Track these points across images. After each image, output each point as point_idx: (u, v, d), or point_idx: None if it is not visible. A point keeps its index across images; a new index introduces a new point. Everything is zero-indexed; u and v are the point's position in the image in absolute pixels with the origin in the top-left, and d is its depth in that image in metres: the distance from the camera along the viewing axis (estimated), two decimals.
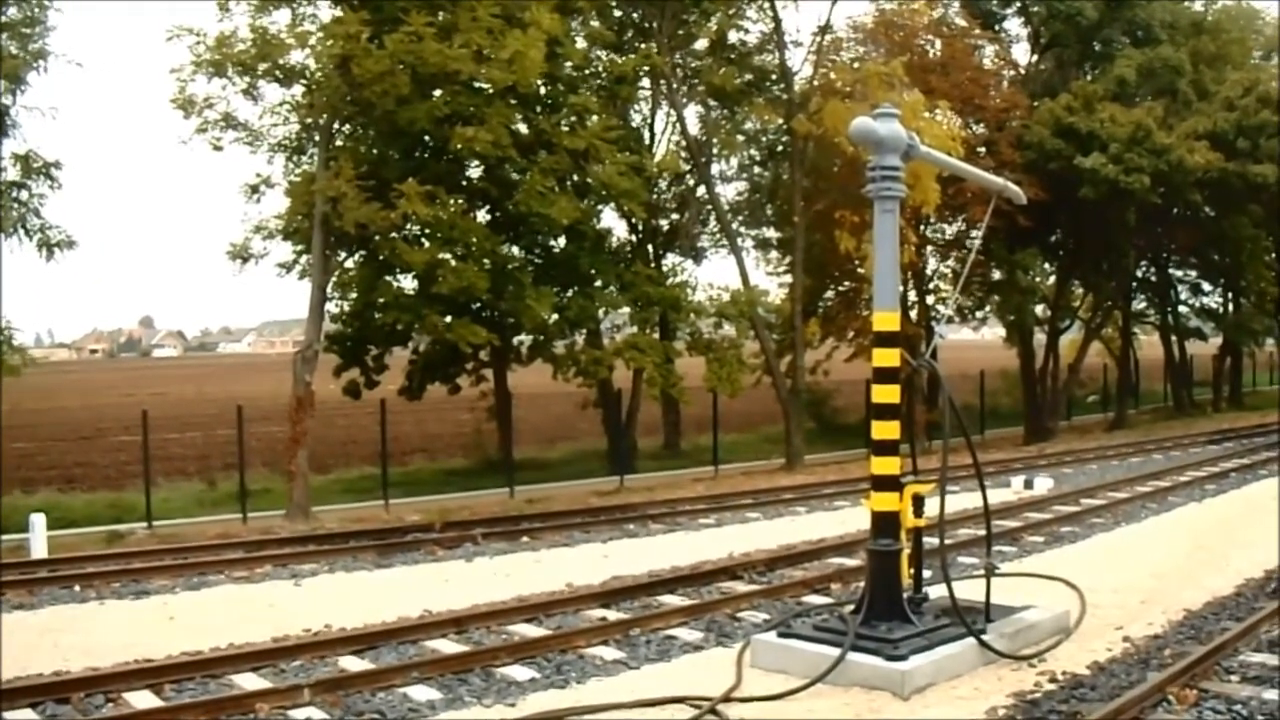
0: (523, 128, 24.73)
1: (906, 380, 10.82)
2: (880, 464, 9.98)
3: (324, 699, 9.28)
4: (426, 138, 24.21)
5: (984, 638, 10.00)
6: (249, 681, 9.88)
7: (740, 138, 31.01)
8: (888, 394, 10.04)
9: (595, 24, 26.84)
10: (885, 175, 10.16)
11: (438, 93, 22.42)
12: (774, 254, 33.31)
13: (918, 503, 10.06)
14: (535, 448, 30.52)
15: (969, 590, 10.77)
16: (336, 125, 23.32)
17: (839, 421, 36.44)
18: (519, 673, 10.12)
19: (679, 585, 13.57)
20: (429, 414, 28.49)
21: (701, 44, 29.88)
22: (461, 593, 13.21)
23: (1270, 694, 9.19)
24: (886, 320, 10.13)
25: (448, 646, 11.03)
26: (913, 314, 32.37)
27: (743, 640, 10.67)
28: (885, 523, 9.91)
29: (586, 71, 27.14)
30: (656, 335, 28.03)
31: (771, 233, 33.27)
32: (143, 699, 9.45)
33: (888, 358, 10.06)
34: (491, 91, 22.79)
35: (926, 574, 10.59)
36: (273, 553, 16.06)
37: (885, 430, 9.99)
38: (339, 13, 21.63)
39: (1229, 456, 27.62)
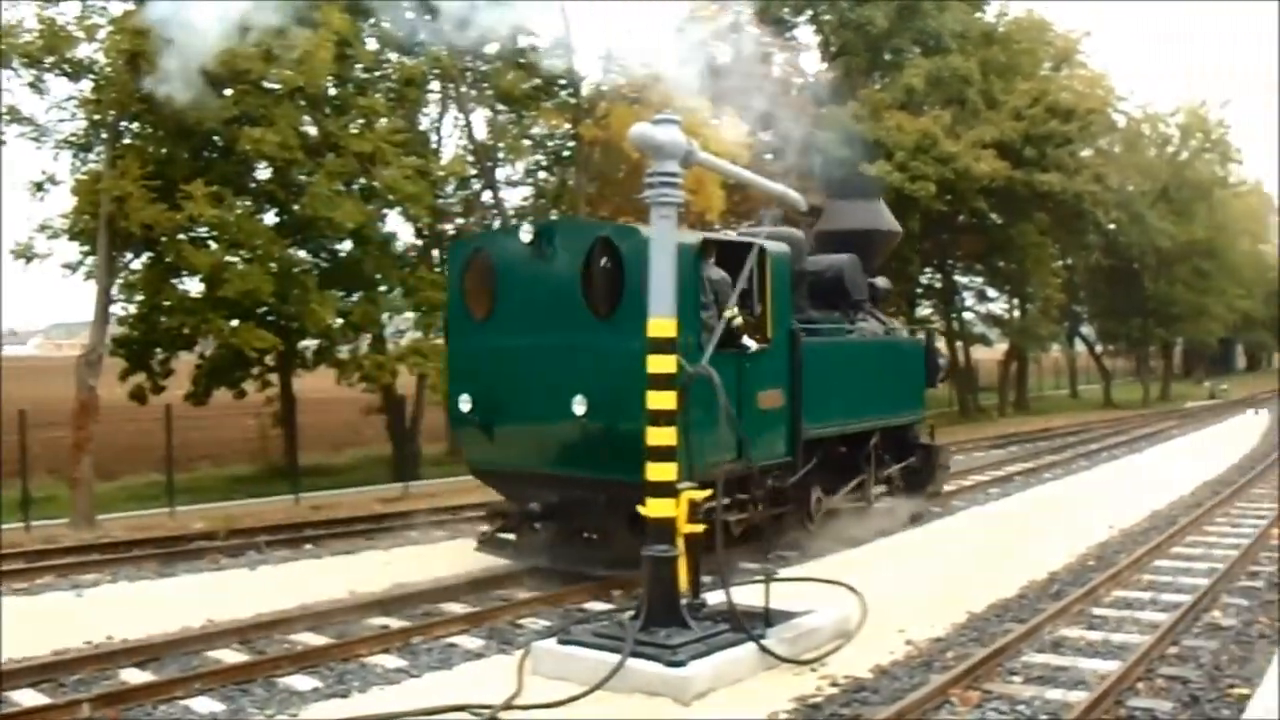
0: (311, 130, 24.53)
1: (685, 386, 10.82)
2: (656, 470, 10.09)
3: (104, 713, 9.16)
4: (215, 138, 23.89)
5: (764, 642, 10.19)
6: (27, 698, 9.72)
7: (527, 142, 31.07)
8: (663, 400, 10.14)
9: (386, 25, 26.69)
10: (663, 181, 10.29)
11: (228, 92, 22.18)
12: None
13: (694, 509, 10.20)
14: (322, 454, 30.21)
15: (750, 596, 10.93)
16: (124, 123, 22.87)
17: None
18: (301, 682, 10.16)
19: (461, 593, 13.69)
20: (216, 420, 27.96)
21: (492, 48, 29.86)
22: (245, 602, 13.11)
23: (1053, 693, 9.63)
24: (662, 327, 10.19)
25: (230, 656, 10.98)
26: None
27: (523, 647, 10.77)
28: (661, 529, 10.06)
29: (376, 74, 27.02)
30: (441, 341, 28.00)
31: None
32: None
33: (663, 364, 10.16)
34: (281, 92, 22.64)
35: (706, 579, 10.86)
36: (55, 562, 15.70)
37: (661, 436, 10.10)
38: (130, 6, 21.23)
39: (1013, 461, 28.72)
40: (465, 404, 14.42)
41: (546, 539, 14.13)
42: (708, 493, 10.30)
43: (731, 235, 15.90)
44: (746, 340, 14.27)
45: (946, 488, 21.38)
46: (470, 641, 11.69)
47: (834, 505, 16.85)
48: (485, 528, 15.12)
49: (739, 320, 13.94)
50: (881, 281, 19.49)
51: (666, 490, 10.09)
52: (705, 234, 14.91)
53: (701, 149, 10.91)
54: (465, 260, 15.23)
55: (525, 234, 13.90)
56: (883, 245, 20.27)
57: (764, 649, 10.16)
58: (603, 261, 13.32)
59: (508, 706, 9.23)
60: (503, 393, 14.05)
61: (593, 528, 14.03)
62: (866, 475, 17.62)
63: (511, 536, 14.58)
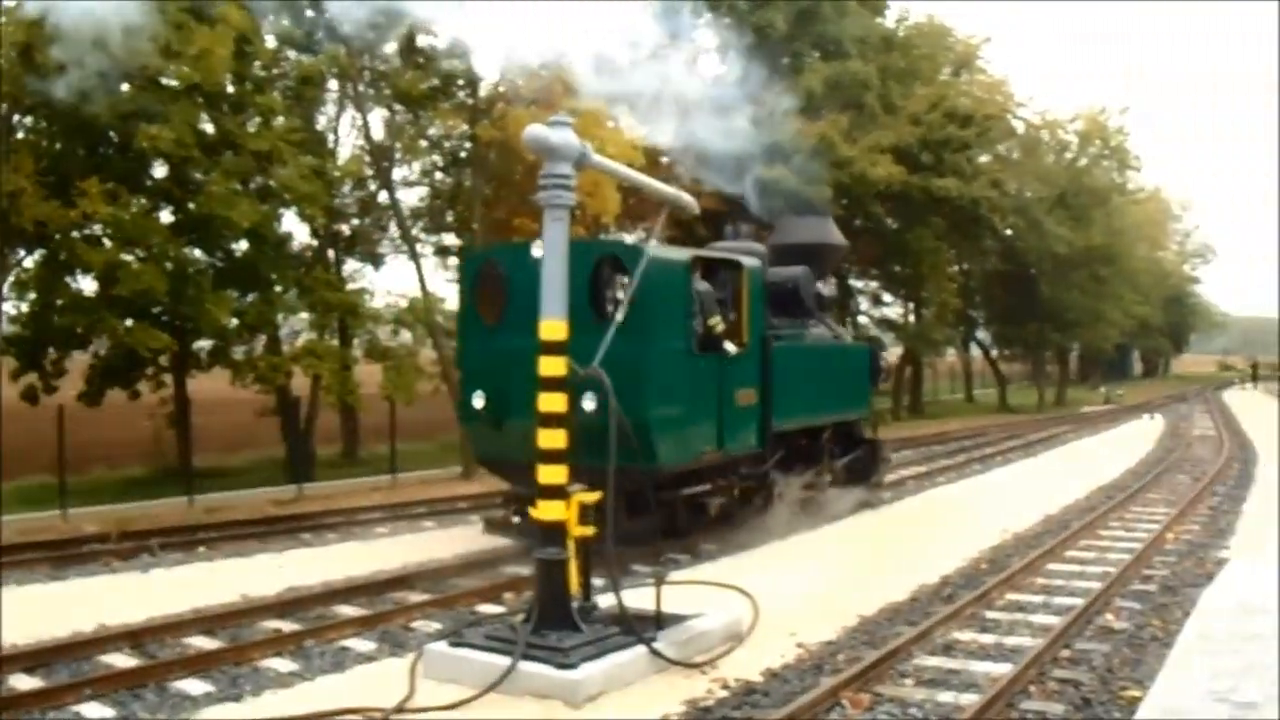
0: (208, 127, 24.34)
1: (574, 387, 11.00)
2: (547, 473, 10.16)
3: None
4: (111, 134, 23.63)
5: (655, 645, 10.27)
6: None
7: (424, 143, 30.98)
8: (553, 403, 10.22)
9: (286, 23, 26.53)
10: (556, 183, 10.38)
11: (125, 87, 21.97)
12: (454, 261, 33.31)
13: (584, 511, 10.27)
14: (216, 455, 29.92)
15: (642, 599, 11.03)
16: (17, 117, 22.57)
17: None
18: (193, 686, 10.16)
19: (354, 596, 13.73)
20: (109, 421, 27.62)
21: (391, 47, 29.72)
22: (137, 605, 13.03)
23: (945, 696, 9.82)
24: (553, 329, 10.28)
25: (122, 661, 10.96)
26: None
27: (416, 650, 10.75)
28: (552, 531, 10.13)
29: (275, 71, 26.86)
30: (336, 342, 27.95)
31: (452, 239, 33.30)
32: None
33: (554, 366, 10.24)
34: (178, 88, 22.46)
35: (598, 582, 10.96)
36: None
37: (551, 439, 10.18)
38: None
39: (907, 465, 28.92)
40: (479, 401, 15.69)
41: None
42: (598, 495, 10.39)
43: (715, 253, 17.55)
44: (727, 345, 15.98)
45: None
46: (363, 644, 11.74)
47: (794, 493, 18.33)
48: (494, 514, 16.55)
49: (720, 327, 15.81)
50: (827, 290, 21.09)
51: (557, 493, 10.14)
52: (694, 251, 16.62)
53: (600, 151, 11.01)
54: (478, 271, 16.67)
55: (536, 250, 13.60)
56: (832, 258, 22.43)
57: (655, 652, 10.24)
58: (610, 275, 14.90)
59: (400, 709, 9.26)
60: (513, 391, 14.71)
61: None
62: (822, 466, 19.45)
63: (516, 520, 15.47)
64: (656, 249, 14.18)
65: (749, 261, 17.07)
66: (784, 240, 20.82)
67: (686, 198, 13.04)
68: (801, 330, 19.42)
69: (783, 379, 17.44)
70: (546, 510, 10.14)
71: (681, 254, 15.87)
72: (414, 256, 29.59)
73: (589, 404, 13.52)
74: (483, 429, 15.99)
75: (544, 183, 10.44)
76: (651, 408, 14.44)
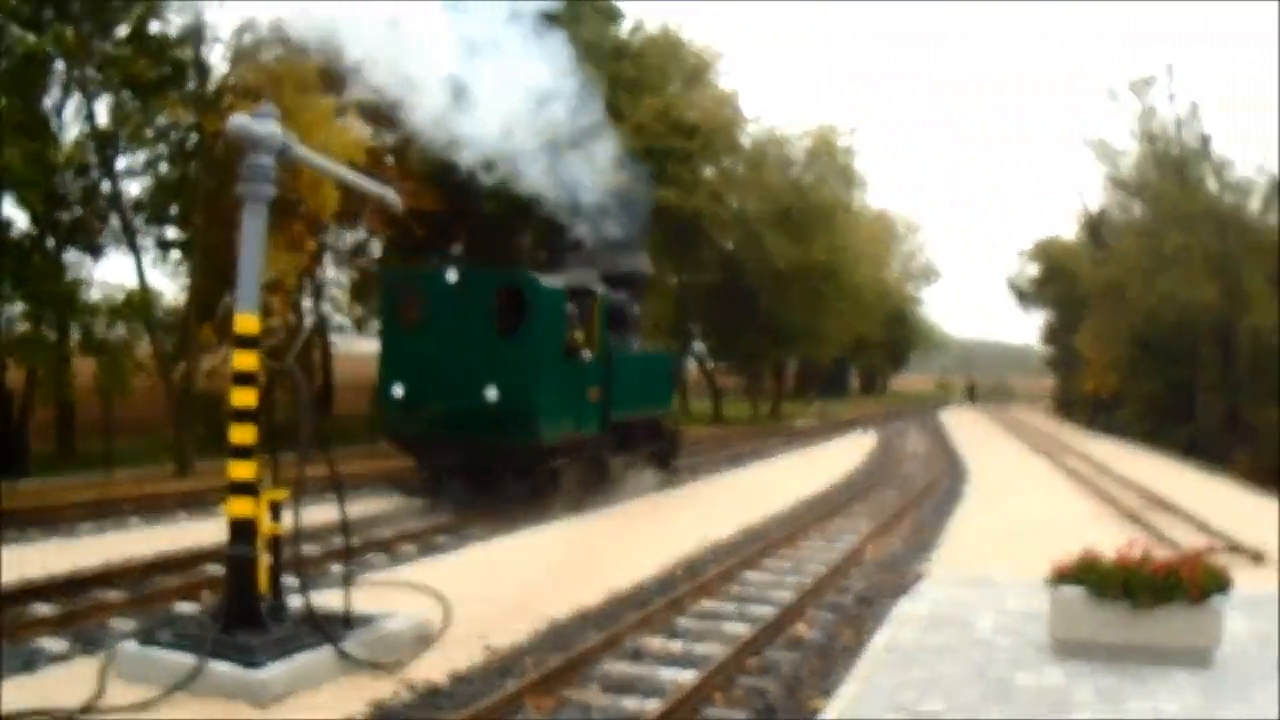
0: None
1: (270, 384, 11.00)
2: (237, 469, 10.08)
3: None
4: None
5: (343, 646, 10.33)
6: None
7: (150, 132, 30.12)
8: (245, 397, 10.14)
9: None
10: (257, 174, 10.33)
11: None
12: (175, 253, 32.48)
13: (275, 509, 10.28)
14: None
15: (334, 599, 11.08)
16: None
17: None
18: None
19: (51, 594, 13.39)
20: None
21: (123, 31, 28.83)
22: None
23: (629, 701, 10.03)
24: (246, 322, 10.22)
25: None
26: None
27: (108, 650, 10.60)
28: (241, 529, 10.06)
29: None
30: (54, 334, 27.03)
31: (174, 232, 32.44)
32: None
33: (247, 360, 10.17)
34: None
35: (290, 582, 10.92)
36: None
37: (242, 435, 10.11)
38: None
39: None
40: (399, 391, 20.42)
41: (457, 486, 20.71)
42: (286, 493, 10.33)
43: (577, 282, 22.43)
44: (584, 353, 21.92)
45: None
46: (56, 644, 11.46)
47: (620, 471, 24.24)
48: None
49: (581, 339, 21.76)
50: (637, 310, 26.40)
51: (247, 490, 10.07)
52: (568, 281, 22.00)
53: (322, 150, 10.96)
54: (398, 288, 22.23)
55: (451, 275, 20.53)
56: (644, 283, 28.27)
57: (342, 653, 10.28)
58: (510, 297, 20.55)
59: (86, 710, 9.14)
60: (427, 384, 20.25)
61: (492, 478, 20.52)
62: (641, 449, 25.54)
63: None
64: (542, 279, 20.94)
65: (601, 289, 22.97)
66: (611, 270, 24.84)
67: (391, 195, 13.12)
68: (629, 343, 25.00)
69: (618, 381, 23.27)
70: (236, 507, 10.04)
71: (558, 282, 21.48)
72: (134, 248, 28.73)
73: (491, 394, 19.54)
74: (400, 413, 20.63)
75: (245, 173, 10.38)
76: (538, 397, 20.16)
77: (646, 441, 26.09)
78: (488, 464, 20.56)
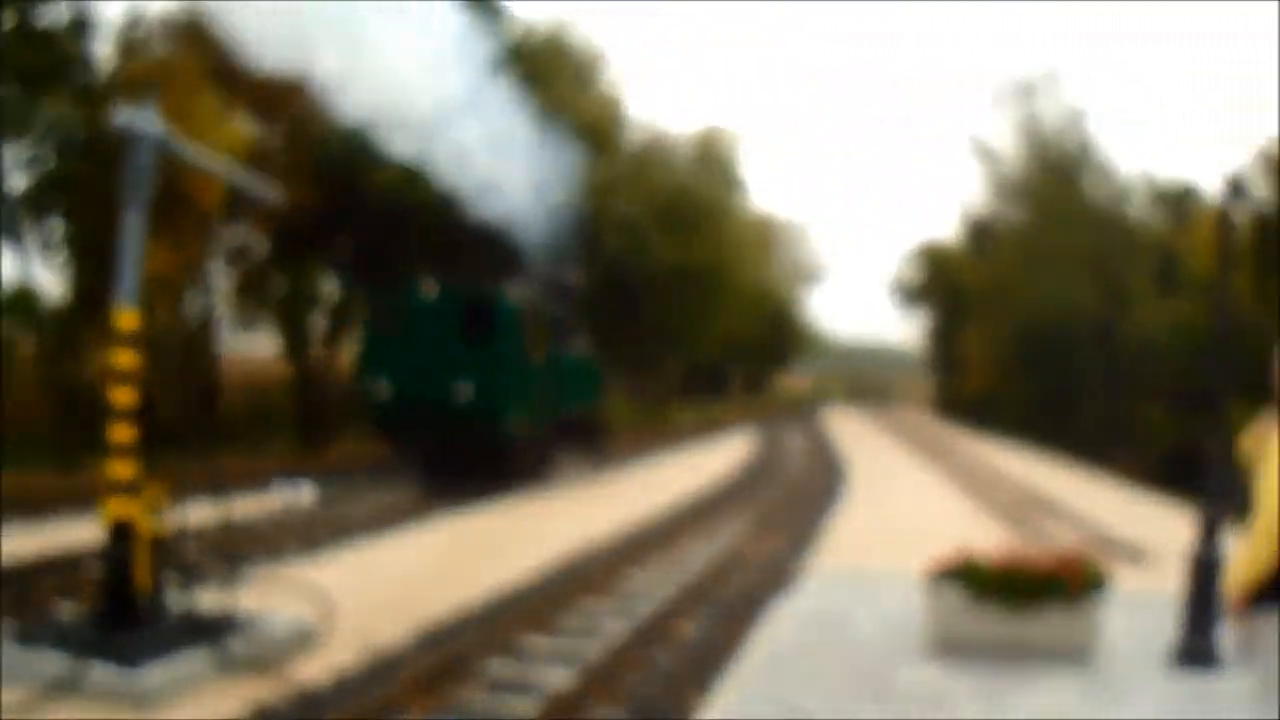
0: None
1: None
2: (116, 468, 9.98)
3: None
4: None
5: (224, 645, 10.23)
6: None
7: (37, 126, 29.60)
8: (124, 396, 10.04)
9: None
10: (136, 169, 10.26)
11: None
12: (62, 250, 31.93)
13: (156, 508, 10.15)
14: None
15: (216, 599, 10.98)
16: None
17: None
18: None
19: None
20: None
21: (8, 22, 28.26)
22: None
23: (516, 701, 10.03)
24: (127, 318, 10.14)
25: None
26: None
27: None
28: (120, 529, 9.94)
29: None
30: None
31: (60, 228, 31.87)
32: None
33: (126, 358, 10.08)
34: None
35: (171, 580, 10.82)
36: None
37: (121, 433, 10.00)
38: None
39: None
40: (385, 390, 24.24)
41: (427, 469, 24.28)
42: (166, 491, 10.24)
43: (534, 299, 26.67)
44: (537, 356, 25.66)
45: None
46: None
47: (562, 455, 28.64)
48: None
49: (535, 345, 25.63)
50: (573, 318, 30.44)
51: (127, 488, 9.97)
52: (527, 298, 26.16)
53: (211, 146, 10.88)
54: (384, 302, 26.22)
55: (429, 290, 24.84)
56: (576, 295, 32.05)
57: (223, 653, 10.20)
58: (479, 310, 24.39)
59: None
60: (407, 381, 24.09)
61: (461, 463, 23.99)
62: (579, 439, 29.91)
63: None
64: (507, 294, 25.33)
65: (549, 305, 27.45)
66: (553, 282, 28.84)
67: (266, 190, 13.02)
68: (569, 348, 28.90)
69: (564, 380, 27.69)
70: (115, 506, 9.94)
71: (519, 295, 25.79)
72: (17, 242, 28.21)
73: (463, 392, 23.59)
74: (382, 404, 24.36)
75: (126, 168, 10.30)
76: (504, 395, 24.34)
77: (584, 432, 30.44)
78: (459, 450, 24.21)
